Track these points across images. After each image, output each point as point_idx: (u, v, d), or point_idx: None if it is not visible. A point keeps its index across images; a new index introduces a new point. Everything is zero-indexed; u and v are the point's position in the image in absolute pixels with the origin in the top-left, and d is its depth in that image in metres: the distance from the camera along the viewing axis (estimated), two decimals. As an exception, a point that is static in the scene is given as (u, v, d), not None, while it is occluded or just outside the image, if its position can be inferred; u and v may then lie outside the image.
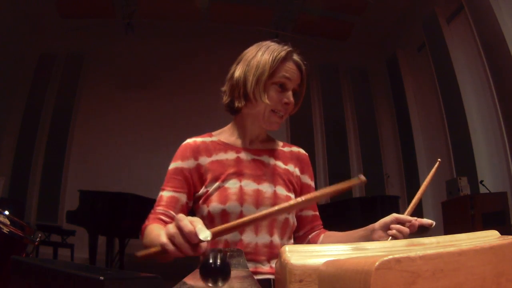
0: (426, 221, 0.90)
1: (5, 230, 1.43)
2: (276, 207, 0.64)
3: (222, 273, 0.49)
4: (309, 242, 1.05)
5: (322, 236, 1.06)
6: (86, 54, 6.19)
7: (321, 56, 6.60)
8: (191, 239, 0.58)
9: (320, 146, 6.26)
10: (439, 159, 0.92)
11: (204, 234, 0.58)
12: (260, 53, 1.00)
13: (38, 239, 1.63)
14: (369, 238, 0.92)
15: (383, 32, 6.26)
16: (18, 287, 0.67)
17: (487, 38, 4.27)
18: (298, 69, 1.02)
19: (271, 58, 0.98)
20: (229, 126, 1.10)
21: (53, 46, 5.97)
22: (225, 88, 1.06)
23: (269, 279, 0.91)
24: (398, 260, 0.31)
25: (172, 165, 1.01)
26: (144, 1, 5.58)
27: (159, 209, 0.96)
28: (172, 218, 0.93)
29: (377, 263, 0.30)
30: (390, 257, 0.31)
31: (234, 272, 0.57)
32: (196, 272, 0.55)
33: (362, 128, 6.48)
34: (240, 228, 0.68)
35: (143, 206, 3.97)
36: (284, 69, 0.99)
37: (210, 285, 0.50)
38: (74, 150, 5.70)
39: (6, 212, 1.50)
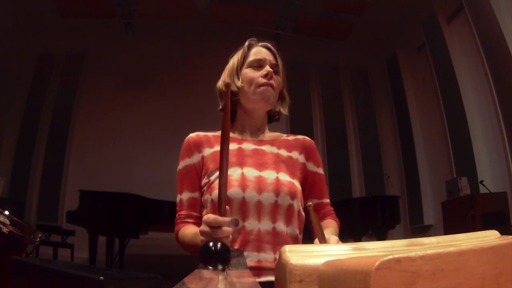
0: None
1: (5, 230, 1.43)
2: None
3: (222, 258, 0.49)
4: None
5: (323, 222, 1.03)
6: (86, 54, 6.19)
7: (321, 56, 6.61)
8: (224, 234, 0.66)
9: (320, 146, 6.26)
10: (310, 204, 0.69)
11: (231, 221, 0.66)
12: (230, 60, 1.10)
13: (38, 239, 1.63)
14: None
15: (383, 32, 6.26)
16: (18, 287, 0.67)
17: (487, 38, 4.27)
18: (267, 50, 1.07)
19: (237, 54, 1.08)
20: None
21: (53, 46, 5.97)
22: (219, 102, 1.12)
23: (272, 282, 0.88)
24: (398, 260, 0.31)
25: (182, 164, 1.04)
26: (144, 1, 5.58)
27: (182, 213, 1.01)
28: (196, 219, 1.00)
29: (377, 263, 0.30)
30: (390, 257, 0.31)
31: (234, 272, 0.57)
32: (196, 272, 0.55)
33: (362, 128, 6.49)
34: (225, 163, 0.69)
35: (143, 206, 3.98)
36: (253, 54, 1.06)
37: (210, 268, 0.49)
38: (74, 150, 5.70)
39: (6, 212, 1.49)
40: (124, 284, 0.49)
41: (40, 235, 1.67)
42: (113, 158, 5.57)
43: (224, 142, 0.68)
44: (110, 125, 5.79)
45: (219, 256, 0.50)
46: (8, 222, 1.47)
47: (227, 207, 0.69)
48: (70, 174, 5.58)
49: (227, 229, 0.66)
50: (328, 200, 1.10)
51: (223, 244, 0.50)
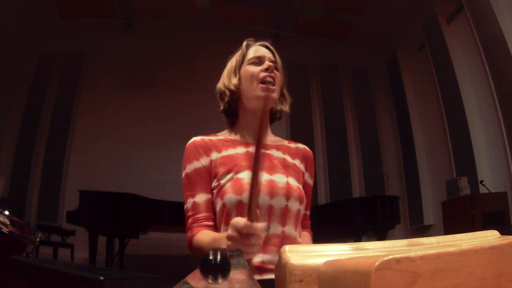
0: None
1: (5, 230, 1.43)
2: None
3: (222, 269, 0.49)
4: None
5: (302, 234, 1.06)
6: (86, 54, 6.19)
7: (321, 56, 6.61)
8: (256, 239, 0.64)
9: (320, 146, 6.26)
10: None
11: (265, 227, 0.64)
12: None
13: (38, 239, 1.63)
14: None
15: (383, 32, 6.26)
16: (18, 287, 0.67)
17: (487, 38, 4.27)
18: (265, 48, 1.08)
19: (235, 55, 1.09)
20: (232, 128, 1.11)
21: (53, 46, 5.97)
22: (219, 103, 1.11)
23: (272, 280, 0.89)
24: (398, 260, 0.31)
25: (189, 168, 1.01)
26: (144, 1, 5.58)
27: (200, 216, 0.96)
28: (216, 221, 0.97)
29: (377, 263, 0.30)
30: (390, 257, 0.31)
31: (234, 273, 0.57)
32: (196, 272, 0.55)
33: (362, 128, 6.49)
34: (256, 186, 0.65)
35: (143, 206, 3.98)
36: (252, 52, 1.06)
37: (209, 282, 0.49)
38: (74, 150, 5.70)
39: (6, 212, 1.49)
40: (124, 284, 0.50)
41: (40, 235, 1.68)
42: (113, 158, 5.57)
43: (258, 148, 0.66)
44: (110, 125, 5.78)
45: (219, 269, 0.49)
46: (8, 222, 1.47)
47: (257, 210, 0.66)
48: (70, 174, 5.58)
49: (259, 237, 0.64)
50: (309, 213, 1.12)
51: (223, 256, 0.49)
